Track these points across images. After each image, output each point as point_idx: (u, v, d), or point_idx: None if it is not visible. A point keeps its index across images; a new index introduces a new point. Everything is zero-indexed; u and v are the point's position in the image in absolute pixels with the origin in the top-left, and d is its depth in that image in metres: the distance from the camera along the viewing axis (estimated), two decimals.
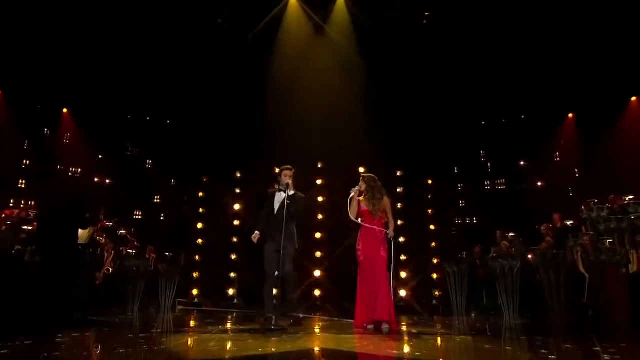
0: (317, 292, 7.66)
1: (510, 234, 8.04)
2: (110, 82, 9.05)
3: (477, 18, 8.16)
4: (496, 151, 10.28)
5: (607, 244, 6.68)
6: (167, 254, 8.28)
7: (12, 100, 8.94)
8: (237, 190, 8.67)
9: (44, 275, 5.74)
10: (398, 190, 8.51)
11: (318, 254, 7.84)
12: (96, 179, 9.93)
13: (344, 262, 7.37)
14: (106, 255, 7.57)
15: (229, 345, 3.80)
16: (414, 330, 4.79)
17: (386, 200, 4.90)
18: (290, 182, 4.82)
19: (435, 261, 8.27)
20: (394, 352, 3.57)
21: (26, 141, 9.39)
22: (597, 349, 3.79)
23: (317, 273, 7.75)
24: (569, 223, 7.63)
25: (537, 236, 7.62)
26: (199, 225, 8.63)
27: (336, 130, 7.78)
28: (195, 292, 8.09)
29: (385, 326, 4.55)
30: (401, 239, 8.19)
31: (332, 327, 5.18)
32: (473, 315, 6.77)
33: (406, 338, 4.33)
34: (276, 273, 4.65)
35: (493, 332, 4.92)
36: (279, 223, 4.62)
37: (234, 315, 7.01)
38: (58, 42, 8.29)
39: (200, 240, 8.51)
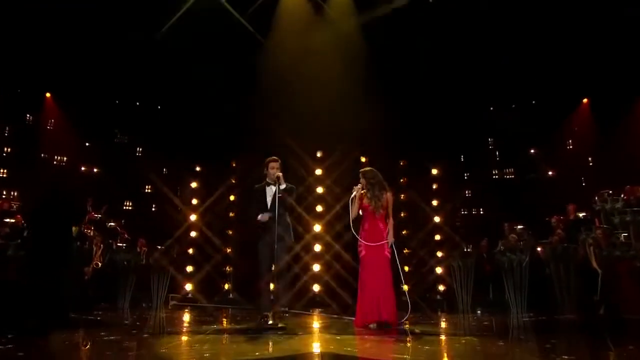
0: (316, 287, 7.62)
1: (519, 227, 8.03)
2: (96, 64, 8.81)
3: None
4: (505, 138, 10.16)
5: (622, 238, 6.61)
6: (158, 247, 8.23)
7: None
8: (233, 180, 8.54)
9: (31, 271, 5.69)
10: (401, 180, 8.40)
11: (317, 248, 7.77)
12: (83, 168, 9.82)
13: (344, 257, 7.34)
14: (95, 248, 7.50)
15: (223, 348, 3.74)
16: (417, 330, 4.74)
17: (388, 196, 4.89)
18: (280, 174, 4.76)
19: (439, 255, 8.19)
20: (397, 356, 3.51)
21: (7, 127, 9.23)
22: (611, 350, 3.74)
23: (316, 267, 7.69)
24: (581, 215, 7.57)
25: (547, 229, 7.56)
26: (193, 217, 8.54)
27: (336, 116, 7.66)
28: (188, 286, 8.03)
29: (385, 325, 4.60)
30: (404, 232, 8.12)
31: (331, 326, 5.15)
32: (479, 312, 6.74)
33: (408, 338, 4.28)
34: (272, 268, 4.64)
35: (499, 332, 4.87)
36: (274, 217, 4.59)
37: (230, 311, 6.99)
38: (39, 21, 8.04)
39: (194, 233, 8.43)
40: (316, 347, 3.80)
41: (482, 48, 8.62)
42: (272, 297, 4.70)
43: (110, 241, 8.05)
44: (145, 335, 4.28)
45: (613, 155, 8.50)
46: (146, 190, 10.20)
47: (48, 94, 9.62)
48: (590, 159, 9.50)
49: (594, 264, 6.37)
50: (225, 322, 5.59)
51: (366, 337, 4.30)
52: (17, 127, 9.32)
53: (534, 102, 9.93)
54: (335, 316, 6.01)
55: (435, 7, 8.33)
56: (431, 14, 8.33)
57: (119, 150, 10.25)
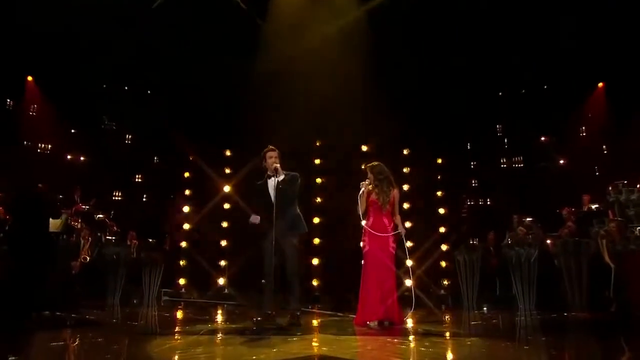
0: (314, 282, 7.60)
1: (528, 219, 7.91)
2: (81, 46, 8.59)
3: None
4: (514, 125, 10.02)
5: (637, 232, 6.53)
6: (150, 240, 8.19)
7: None
8: (227, 170, 8.47)
9: (13, 266, 5.63)
10: (404, 170, 8.34)
11: (316, 241, 7.73)
12: (69, 157, 9.65)
13: (344, 250, 7.29)
14: (82, 242, 7.42)
15: (218, 350, 3.69)
16: (420, 329, 4.71)
17: (395, 193, 4.93)
18: (278, 165, 4.68)
19: (444, 248, 8.16)
20: None
21: None
22: (625, 352, 3.69)
23: (315, 261, 7.66)
24: (593, 207, 7.48)
25: (557, 221, 7.48)
26: (186, 209, 8.48)
27: (337, 105, 7.55)
28: (182, 281, 8.00)
29: (386, 323, 4.63)
30: (407, 224, 8.06)
31: (331, 325, 5.11)
32: (485, 309, 6.72)
33: (411, 338, 4.23)
34: (273, 265, 4.59)
35: (506, 332, 4.82)
36: (277, 211, 4.56)
37: (225, 307, 6.97)
38: None
39: (187, 225, 8.37)
40: (315, 351, 3.74)
41: (490, 30, 8.43)
42: (274, 297, 4.68)
43: (99, 234, 7.98)
44: (135, 337, 4.22)
45: (629, 144, 8.34)
46: (136, 180, 10.08)
47: (29, 78, 9.39)
48: (604, 147, 9.36)
49: (607, 259, 6.29)
50: (220, 321, 5.55)
51: (367, 337, 4.25)
52: None
53: (545, 86, 9.75)
54: (335, 314, 5.98)
55: None
56: None
57: (107, 137, 10.07)
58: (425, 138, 8.49)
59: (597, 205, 7.49)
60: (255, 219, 4.74)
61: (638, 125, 8.29)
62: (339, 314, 5.74)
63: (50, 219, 6.29)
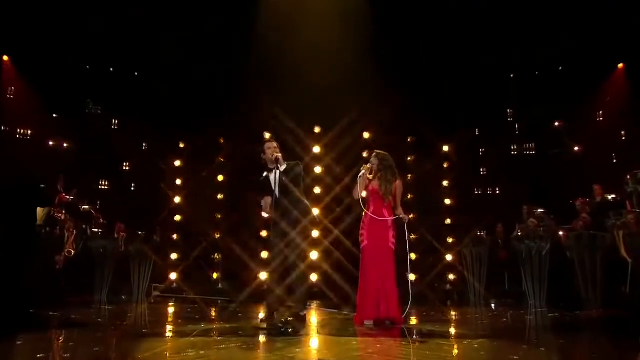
0: (314, 277, 7.57)
1: (539, 210, 7.80)
2: (62, 24, 8.36)
3: None
4: (526, 109, 9.83)
5: None
6: (139, 232, 8.06)
7: None
8: (221, 159, 8.42)
9: None
10: (408, 158, 8.28)
11: (315, 233, 7.67)
12: (51, 143, 9.45)
13: (345, 243, 7.24)
14: (67, 235, 7.35)
15: (212, 355, 3.62)
16: (424, 330, 4.67)
17: (398, 184, 4.85)
18: (279, 155, 4.61)
19: (450, 241, 8.13)
20: None
21: None
22: None
23: (313, 255, 7.61)
24: (610, 197, 7.37)
25: (571, 213, 7.39)
26: (177, 199, 8.40)
27: (337, 88, 7.40)
28: (173, 276, 7.95)
29: (387, 322, 4.61)
30: (411, 216, 8.00)
31: (332, 325, 5.09)
32: (493, 305, 6.69)
33: (415, 340, 4.18)
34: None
35: (515, 332, 4.77)
36: (283, 207, 4.59)
37: (219, 304, 6.94)
38: None
39: (178, 217, 8.28)
40: (316, 353, 3.70)
41: (501, 7, 8.21)
42: (280, 294, 4.68)
43: (85, 226, 7.87)
44: (123, 339, 4.16)
45: None
46: (124, 168, 9.97)
47: (5, 57, 9.17)
48: (623, 133, 9.17)
49: (623, 253, 6.23)
50: (214, 320, 5.49)
51: (368, 339, 4.20)
52: None
53: (560, 68, 9.54)
54: (335, 311, 5.95)
55: None
56: None
57: (92, 122, 9.87)
58: (430, 124, 8.37)
59: (613, 196, 7.37)
60: (266, 208, 4.76)
61: None
62: (344, 313, 5.71)
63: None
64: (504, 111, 10.23)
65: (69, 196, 8.05)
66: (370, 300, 4.65)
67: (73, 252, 7.27)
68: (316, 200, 7.73)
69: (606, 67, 9.26)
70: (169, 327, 5.05)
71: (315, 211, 7.62)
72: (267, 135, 4.83)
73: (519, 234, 7.45)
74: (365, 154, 7.13)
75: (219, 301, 7.15)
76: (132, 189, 9.83)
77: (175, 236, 8.29)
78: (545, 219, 7.62)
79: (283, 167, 4.62)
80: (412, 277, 7.68)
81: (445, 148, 8.67)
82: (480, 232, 8.31)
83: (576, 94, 9.19)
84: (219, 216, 8.32)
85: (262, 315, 5.17)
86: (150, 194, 9.36)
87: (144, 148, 10.05)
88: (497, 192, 9.76)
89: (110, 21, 8.43)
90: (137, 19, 8.37)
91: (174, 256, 8.15)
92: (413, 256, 7.81)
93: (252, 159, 4.99)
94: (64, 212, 7.72)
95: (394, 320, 4.67)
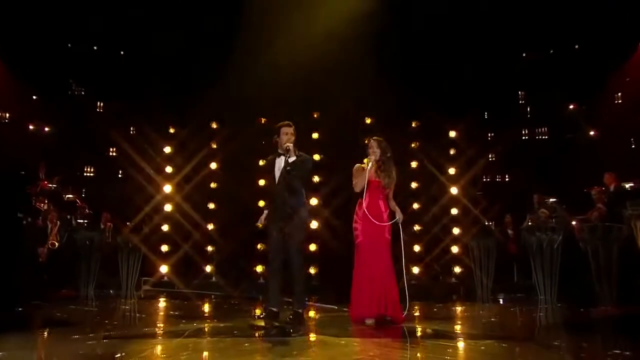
0: (312, 270, 7.57)
1: (552, 199, 7.78)
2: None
3: None
4: (539, 91, 9.72)
5: None
6: (127, 222, 8.07)
7: None
8: (214, 145, 8.30)
9: None
10: (412, 145, 8.19)
11: (313, 225, 7.62)
12: (31, 127, 9.36)
13: (344, 235, 7.18)
14: (50, 226, 7.36)
15: (204, 358, 3.57)
16: (428, 330, 4.62)
17: (395, 174, 4.80)
18: (291, 145, 4.54)
19: (456, 232, 8.08)
20: None
21: None
22: None
23: (311, 247, 7.59)
24: (627, 185, 7.29)
25: (586, 202, 7.32)
26: (167, 188, 8.32)
27: (336, 70, 7.29)
28: (164, 269, 7.93)
29: (387, 319, 4.59)
30: (415, 205, 7.96)
31: (330, 323, 5.05)
32: (501, 300, 6.67)
33: (418, 341, 4.13)
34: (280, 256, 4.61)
35: (525, 331, 4.71)
36: (281, 197, 4.51)
37: (212, 299, 6.92)
38: None
39: (169, 207, 8.21)
40: (314, 356, 3.63)
41: None
42: (278, 290, 4.66)
43: (69, 216, 7.86)
44: (110, 340, 4.10)
45: None
46: (110, 154, 9.87)
47: None
48: None
49: None
50: (207, 318, 5.44)
51: (369, 340, 4.14)
52: None
53: (576, 46, 9.36)
54: (335, 307, 5.91)
55: None
56: None
57: (75, 104, 9.79)
58: (436, 108, 8.24)
59: (631, 184, 7.29)
60: (260, 220, 4.75)
61: None
62: (344, 309, 5.68)
63: None
64: (515, 93, 10.13)
65: (52, 184, 7.99)
66: (366, 297, 4.61)
67: (57, 244, 7.26)
68: (313, 189, 7.68)
69: (627, 45, 9.04)
70: (159, 326, 5.01)
71: (314, 201, 7.65)
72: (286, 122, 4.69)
73: (530, 224, 7.44)
74: (367, 140, 7.02)
75: (213, 296, 7.13)
76: (120, 176, 9.76)
77: (165, 227, 8.21)
78: (558, 209, 7.63)
79: (292, 159, 4.54)
80: (414, 270, 7.71)
81: (452, 133, 8.54)
82: (488, 223, 8.31)
83: (593, 75, 9.04)
84: (212, 206, 8.23)
85: (258, 312, 5.15)
86: (139, 182, 9.31)
87: (131, 132, 9.95)
88: (507, 179, 9.72)
89: None
90: None
91: (164, 248, 8.09)
92: (418, 248, 7.82)
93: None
94: (46, 201, 7.67)
95: (393, 318, 4.64)
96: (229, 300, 6.63)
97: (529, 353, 3.77)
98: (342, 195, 7.23)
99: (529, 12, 8.51)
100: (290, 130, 4.64)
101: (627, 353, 3.58)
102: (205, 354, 3.65)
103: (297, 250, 4.60)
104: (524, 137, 9.97)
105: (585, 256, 6.40)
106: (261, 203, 7.29)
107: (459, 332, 4.69)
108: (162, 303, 6.67)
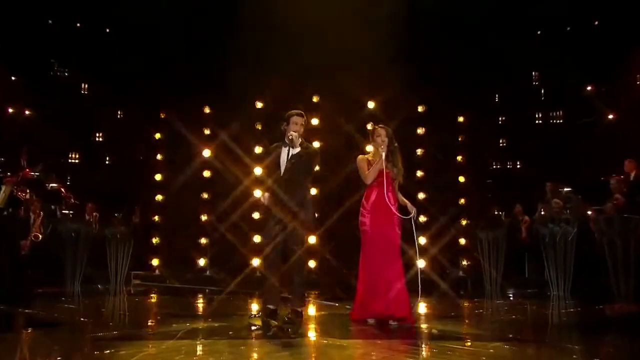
0: (312, 263, 7.55)
1: (566, 188, 7.73)
2: None
3: None
4: (554, 72, 9.67)
5: None
6: (115, 213, 8.03)
7: None
8: (207, 132, 8.22)
9: None
10: (418, 131, 8.09)
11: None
12: (10, 110, 9.28)
13: (346, 226, 7.16)
14: (32, 217, 7.32)
15: None
16: (434, 330, 4.56)
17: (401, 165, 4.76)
18: (295, 135, 4.40)
19: (463, 223, 8.05)
20: None
21: None
22: None
23: (311, 239, 7.55)
24: None
25: (604, 192, 7.27)
26: (158, 177, 8.27)
27: (337, 50, 7.15)
28: (155, 262, 7.96)
29: (393, 323, 4.50)
30: (421, 195, 7.92)
31: (331, 322, 5.04)
32: (511, 296, 6.66)
33: (423, 343, 4.10)
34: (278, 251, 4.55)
35: (538, 330, 4.67)
36: (285, 191, 4.43)
37: (206, 294, 6.90)
38: None
39: (160, 197, 8.15)
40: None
41: None
42: (275, 285, 4.61)
43: (53, 206, 7.83)
44: (97, 343, 4.06)
45: None
46: (97, 139, 9.83)
47: None
48: None
49: None
50: (201, 316, 5.40)
51: (370, 342, 4.10)
52: None
53: (596, 22, 9.27)
54: (336, 304, 5.90)
55: None
56: None
57: (59, 86, 9.81)
58: (444, 90, 8.16)
59: None
60: (264, 198, 4.69)
61: None
62: (346, 307, 5.67)
63: None
64: (529, 74, 10.10)
65: (34, 172, 7.91)
66: (371, 294, 4.57)
67: (40, 236, 7.24)
68: (315, 179, 7.62)
69: None
70: (150, 323, 4.96)
71: (313, 191, 7.60)
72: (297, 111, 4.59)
73: (542, 215, 7.40)
74: (370, 126, 6.96)
75: (207, 290, 7.12)
76: (107, 162, 9.73)
77: (156, 217, 8.19)
78: (572, 198, 7.58)
79: (296, 150, 4.44)
80: (421, 263, 7.68)
81: (461, 119, 8.45)
82: (498, 213, 8.28)
83: (613, 54, 8.91)
84: (206, 195, 8.19)
85: (255, 309, 5.15)
86: (128, 169, 9.27)
87: (119, 116, 9.94)
88: (518, 166, 9.69)
89: None
90: None
91: (155, 240, 8.08)
92: (422, 240, 7.79)
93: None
94: (28, 190, 7.59)
95: (402, 318, 4.56)
96: (224, 296, 6.62)
97: (541, 356, 3.72)
98: (342, 184, 7.20)
99: None
100: (301, 120, 4.49)
101: None
102: (199, 357, 3.58)
103: (298, 241, 4.52)
104: (537, 121, 9.99)
105: (601, 250, 6.37)
106: (257, 192, 7.25)
107: (466, 333, 4.65)
108: (152, 298, 6.66)
